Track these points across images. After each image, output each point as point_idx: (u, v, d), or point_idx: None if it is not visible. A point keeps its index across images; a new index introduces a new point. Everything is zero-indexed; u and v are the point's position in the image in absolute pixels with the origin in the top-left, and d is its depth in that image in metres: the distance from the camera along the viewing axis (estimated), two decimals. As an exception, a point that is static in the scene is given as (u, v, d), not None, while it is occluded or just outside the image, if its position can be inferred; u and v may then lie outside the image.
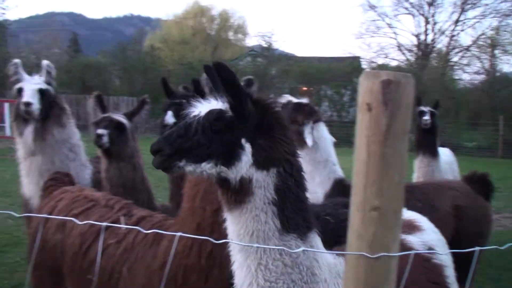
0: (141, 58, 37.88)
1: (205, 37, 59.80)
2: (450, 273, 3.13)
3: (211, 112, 2.34)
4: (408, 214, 3.48)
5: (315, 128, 5.38)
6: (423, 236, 3.19)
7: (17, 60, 5.51)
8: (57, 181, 4.64)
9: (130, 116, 4.90)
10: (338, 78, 33.63)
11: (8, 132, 23.17)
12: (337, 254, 2.55)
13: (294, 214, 2.33)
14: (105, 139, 4.58)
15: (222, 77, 2.28)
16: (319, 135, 5.42)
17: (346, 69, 34.10)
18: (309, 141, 5.24)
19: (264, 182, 2.29)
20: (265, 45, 40.16)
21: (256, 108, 2.37)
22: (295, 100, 5.43)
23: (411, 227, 3.25)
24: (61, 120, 5.46)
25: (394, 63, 40.15)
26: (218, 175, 2.32)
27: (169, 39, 54.64)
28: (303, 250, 2.30)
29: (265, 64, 36.70)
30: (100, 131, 4.59)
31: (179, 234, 1.98)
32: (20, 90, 5.33)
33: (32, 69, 5.61)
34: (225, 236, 2.45)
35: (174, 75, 35.07)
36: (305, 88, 35.52)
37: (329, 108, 33.96)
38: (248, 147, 2.30)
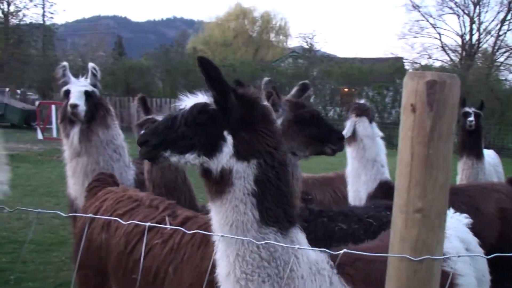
0: (183, 60, 38.26)
1: (247, 38, 60.09)
2: (465, 282, 2.98)
3: (195, 106, 2.42)
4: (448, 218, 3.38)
5: (358, 123, 5.38)
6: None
7: (65, 63, 5.65)
8: (101, 182, 4.73)
9: None
10: (380, 79, 33.21)
11: (54, 133, 23.81)
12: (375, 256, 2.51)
13: (274, 206, 2.34)
14: None
15: (206, 72, 2.36)
16: (365, 133, 5.39)
17: (388, 70, 33.63)
18: (346, 132, 5.21)
19: (244, 173, 2.33)
20: (306, 46, 40.09)
21: (241, 102, 2.42)
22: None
23: None
24: (106, 122, 5.56)
25: (437, 64, 39.51)
26: (201, 165, 2.38)
27: (211, 41, 55.17)
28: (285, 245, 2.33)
29: (306, 66, 36.57)
30: (143, 133, 4.65)
31: (220, 235, 2.00)
32: (67, 92, 5.46)
33: (78, 71, 5.75)
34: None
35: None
36: (346, 89, 35.23)
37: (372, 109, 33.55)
38: (229, 139, 2.36)
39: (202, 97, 2.49)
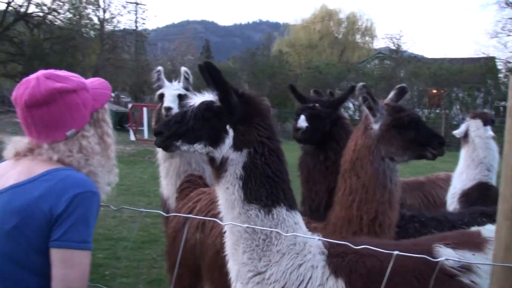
0: (269, 63, 38.57)
1: (332, 40, 59.67)
2: None
3: (203, 103, 2.75)
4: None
5: (471, 125, 5.56)
6: (469, 255, 2.76)
7: (160, 68, 5.84)
8: (191, 183, 4.83)
9: None
10: (471, 80, 31.87)
11: (146, 135, 24.69)
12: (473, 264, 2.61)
13: (257, 187, 2.64)
14: None
15: (210, 74, 2.69)
16: (477, 133, 5.50)
17: (480, 70, 32.20)
18: (457, 133, 5.57)
19: (236, 161, 2.68)
20: (393, 47, 39.16)
21: (241, 100, 2.74)
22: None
23: (474, 243, 2.84)
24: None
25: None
26: (207, 154, 2.73)
27: (296, 43, 55.19)
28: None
29: (393, 67, 35.74)
30: None
31: (318, 238, 2.01)
32: (161, 96, 5.64)
33: (169, 75, 5.92)
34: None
35: (301, 79, 35.32)
36: (435, 91, 34.11)
37: (460, 111, 32.28)
38: (231, 132, 2.70)
39: (209, 96, 2.81)
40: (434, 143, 3.54)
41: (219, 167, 2.72)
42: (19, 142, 2.39)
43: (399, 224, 3.81)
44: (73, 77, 2.40)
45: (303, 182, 4.66)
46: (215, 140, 2.68)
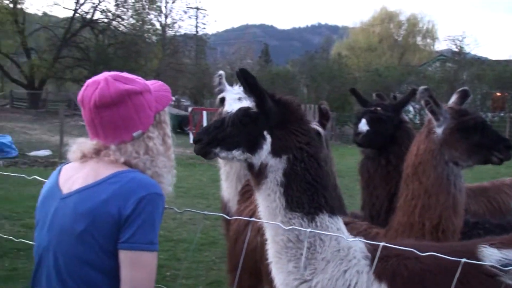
0: (328, 66, 38.32)
1: (392, 43, 58.81)
2: None
3: (240, 109, 2.73)
4: None
5: None
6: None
7: (221, 72, 5.90)
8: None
9: (322, 124, 4.95)
10: (539, 82, 30.65)
11: (206, 138, 24.96)
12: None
13: (299, 194, 2.63)
14: None
15: (245, 80, 2.67)
16: None
17: (546, 72, 30.94)
18: None
19: (275, 167, 2.66)
20: (455, 49, 38.12)
21: (278, 105, 2.72)
22: None
23: None
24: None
25: None
26: (245, 161, 2.72)
27: (355, 46, 54.72)
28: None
29: (455, 69, 34.77)
30: None
31: (382, 244, 1.99)
32: (222, 100, 5.70)
33: (228, 79, 5.96)
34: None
35: (360, 82, 34.93)
36: (499, 94, 32.97)
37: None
38: (268, 138, 2.68)
39: (246, 102, 2.79)
40: (500, 147, 3.44)
41: (259, 174, 2.71)
42: (85, 143, 2.41)
43: (462, 230, 3.72)
44: (138, 79, 2.45)
45: (363, 187, 4.61)
46: (253, 146, 2.68)
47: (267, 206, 2.68)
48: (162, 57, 46.18)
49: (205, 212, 2.93)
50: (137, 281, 2.15)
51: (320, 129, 4.75)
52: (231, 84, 5.93)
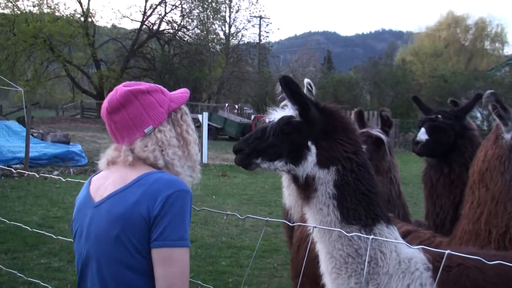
0: (392, 72, 37.69)
1: (459, 48, 57.20)
2: None
3: (282, 118, 2.66)
4: None
5: None
6: None
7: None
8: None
9: (384, 131, 4.89)
10: None
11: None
12: None
13: (354, 205, 2.52)
14: None
15: (289, 89, 2.60)
16: None
17: None
18: None
19: (325, 179, 2.55)
20: (527, 53, 36.62)
21: (322, 114, 2.64)
22: None
23: None
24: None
25: None
26: (289, 172, 2.64)
27: (420, 51, 53.57)
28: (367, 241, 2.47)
29: (527, 74, 33.43)
30: None
31: (447, 251, 1.95)
32: (282, 108, 5.72)
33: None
34: None
35: (425, 88, 34.18)
36: None
37: None
38: (313, 148, 2.59)
39: (289, 111, 2.71)
40: None
41: (306, 187, 2.61)
42: (108, 150, 2.53)
43: None
44: (147, 83, 2.54)
45: (427, 196, 4.52)
46: (297, 157, 2.59)
47: (321, 221, 2.57)
48: (225, 65, 46.80)
49: (267, 218, 2.91)
50: (170, 278, 2.20)
51: (383, 136, 4.70)
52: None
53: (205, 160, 19.36)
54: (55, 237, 4.34)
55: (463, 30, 59.28)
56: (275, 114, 2.74)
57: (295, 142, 2.61)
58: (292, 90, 2.61)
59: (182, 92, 2.62)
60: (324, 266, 2.65)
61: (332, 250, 2.55)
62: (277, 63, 54.06)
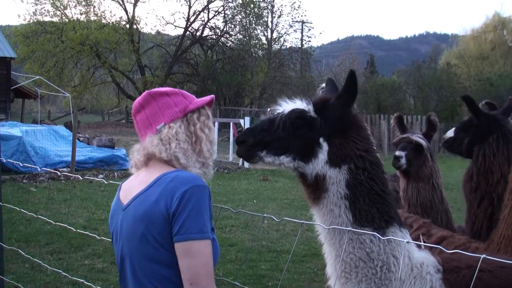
0: (436, 76, 37.09)
1: (506, 50, 55.69)
2: None
3: (293, 111, 2.53)
4: None
5: None
6: None
7: (323, 85, 5.94)
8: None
9: (428, 136, 4.84)
10: None
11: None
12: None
13: (367, 207, 2.39)
14: (403, 161, 4.58)
15: (353, 81, 2.49)
16: None
17: None
18: None
19: (336, 179, 2.42)
20: None
21: (337, 111, 2.52)
22: None
23: None
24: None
25: None
26: (295, 169, 2.50)
27: (465, 54, 52.45)
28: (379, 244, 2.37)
29: None
30: (398, 153, 4.62)
31: (483, 256, 1.93)
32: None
33: (332, 91, 5.96)
34: None
35: (470, 91, 33.49)
36: None
37: None
38: (325, 146, 2.45)
39: (300, 103, 2.58)
40: None
41: (316, 187, 2.48)
42: (134, 153, 2.66)
43: None
44: (169, 88, 2.66)
45: (466, 202, 4.47)
46: (306, 154, 2.45)
47: (331, 223, 2.44)
48: (267, 70, 46.88)
49: (303, 221, 2.83)
50: (193, 269, 2.29)
51: (423, 141, 4.66)
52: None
53: (246, 165, 19.41)
54: (98, 238, 4.46)
55: (510, 32, 57.74)
56: (285, 106, 2.63)
57: (305, 138, 2.48)
58: (355, 83, 2.51)
59: (207, 98, 2.69)
60: (332, 269, 2.52)
61: (342, 253, 2.42)
62: (319, 68, 53.83)
